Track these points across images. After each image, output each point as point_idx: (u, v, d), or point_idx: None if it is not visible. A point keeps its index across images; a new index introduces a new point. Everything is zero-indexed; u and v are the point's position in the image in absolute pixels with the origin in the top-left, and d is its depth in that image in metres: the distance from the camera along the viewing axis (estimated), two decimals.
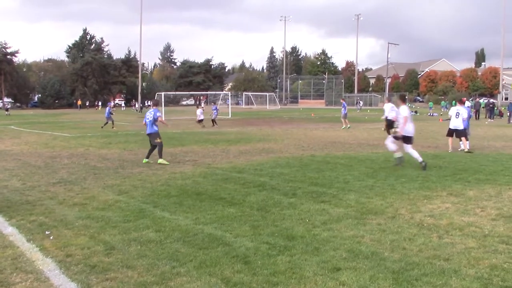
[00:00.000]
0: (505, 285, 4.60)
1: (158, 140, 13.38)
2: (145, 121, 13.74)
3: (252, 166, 12.54)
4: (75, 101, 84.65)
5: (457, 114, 16.23)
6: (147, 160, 13.45)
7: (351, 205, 7.95)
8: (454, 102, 68.07)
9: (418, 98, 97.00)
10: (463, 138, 15.96)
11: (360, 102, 73.78)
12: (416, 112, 55.25)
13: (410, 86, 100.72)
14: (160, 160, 13.17)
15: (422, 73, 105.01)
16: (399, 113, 12.44)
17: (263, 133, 24.81)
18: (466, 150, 15.68)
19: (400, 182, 10.05)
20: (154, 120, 13.49)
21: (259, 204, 8.04)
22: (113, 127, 29.24)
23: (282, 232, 6.41)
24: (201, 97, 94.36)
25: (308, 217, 7.17)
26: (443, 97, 79.19)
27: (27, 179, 10.81)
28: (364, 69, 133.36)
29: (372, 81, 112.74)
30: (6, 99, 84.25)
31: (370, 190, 9.24)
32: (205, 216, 7.28)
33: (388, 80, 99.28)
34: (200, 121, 30.81)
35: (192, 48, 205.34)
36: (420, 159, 11.84)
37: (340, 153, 15.41)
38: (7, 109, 60.34)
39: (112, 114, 30.65)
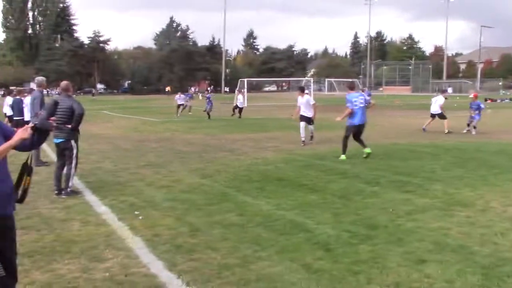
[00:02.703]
0: None
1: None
2: (352, 108, 11.78)
3: (334, 153, 12.39)
4: (161, 87, 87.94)
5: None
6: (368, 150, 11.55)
7: (437, 196, 7.65)
8: None
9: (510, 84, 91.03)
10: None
11: (448, 89, 70.07)
12: (511, 99, 52.03)
13: (505, 71, 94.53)
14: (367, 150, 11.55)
15: None
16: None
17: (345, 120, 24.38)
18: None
19: (492, 173, 9.51)
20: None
21: (341, 192, 7.95)
22: (190, 112, 30.38)
23: (364, 221, 6.30)
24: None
25: (392, 207, 6.99)
26: None
27: (118, 161, 11.41)
28: (453, 54, 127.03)
29: (462, 66, 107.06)
30: (99, 85, 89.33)
31: (458, 180, 8.82)
32: (287, 202, 7.31)
33: (480, 66, 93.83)
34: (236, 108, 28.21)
35: (275, 35, 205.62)
36: None
37: (426, 142, 14.84)
38: (93, 94, 64.50)
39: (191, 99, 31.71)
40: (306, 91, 15.67)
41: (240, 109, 27.78)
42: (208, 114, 26.95)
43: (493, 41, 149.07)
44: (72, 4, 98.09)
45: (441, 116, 18.15)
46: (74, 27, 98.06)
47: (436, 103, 18.45)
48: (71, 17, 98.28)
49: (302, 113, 14.46)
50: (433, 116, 18.50)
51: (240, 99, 28.31)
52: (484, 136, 16.46)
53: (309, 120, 14.45)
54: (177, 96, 31.31)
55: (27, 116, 12.72)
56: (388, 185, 8.45)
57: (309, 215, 6.61)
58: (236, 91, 35.49)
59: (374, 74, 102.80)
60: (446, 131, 17.38)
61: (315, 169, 10.10)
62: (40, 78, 11.40)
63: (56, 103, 7.82)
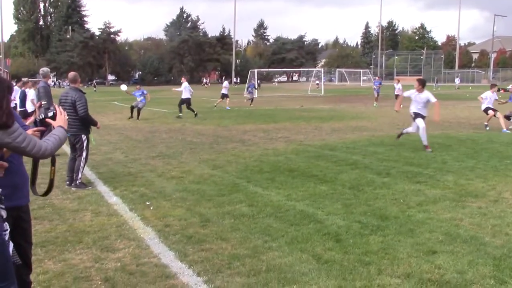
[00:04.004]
0: None
1: None
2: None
3: (344, 144, 12.37)
4: (175, 78, 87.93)
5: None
6: None
7: (449, 187, 7.60)
8: None
9: None
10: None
11: (456, 79, 69.28)
12: None
13: None
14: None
15: None
16: None
17: (356, 111, 24.34)
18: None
19: (504, 164, 9.43)
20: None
21: (352, 183, 7.93)
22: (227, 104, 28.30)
23: (375, 211, 6.28)
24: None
25: (403, 198, 6.96)
26: None
27: (129, 152, 11.48)
28: (466, 44, 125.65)
29: (475, 56, 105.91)
30: (110, 76, 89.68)
31: (470, 171, 8.76)
32: (297, 193, 7.32)
33: (493, 55, 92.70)
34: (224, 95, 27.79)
35: (285, 25, 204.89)
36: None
37: (438, 132, 14.73)
38: (94, 86, 64.17)
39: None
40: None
41: (252, 99, 28.80)
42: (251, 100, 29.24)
43: (507, 30, 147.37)
44: None
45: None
46: (85, 19, 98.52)
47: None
48: (82, 9, 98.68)
49: (417, 110, 11.62)
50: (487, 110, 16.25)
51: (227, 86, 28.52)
52: (496, 127, 16.28)
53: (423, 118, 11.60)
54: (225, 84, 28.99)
55: (30, 107, 12.85)
56: (399, 176, 8.42)
57: (319, 205, 6.61)
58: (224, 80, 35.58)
59: (386, 64, 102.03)
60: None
61: (326, 160, 10.08)
62: (45, 69, 11.49)
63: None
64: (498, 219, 5.93)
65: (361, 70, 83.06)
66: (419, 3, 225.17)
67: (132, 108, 20.55)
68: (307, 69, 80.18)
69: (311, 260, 4.68)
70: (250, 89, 31.24)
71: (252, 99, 29.61)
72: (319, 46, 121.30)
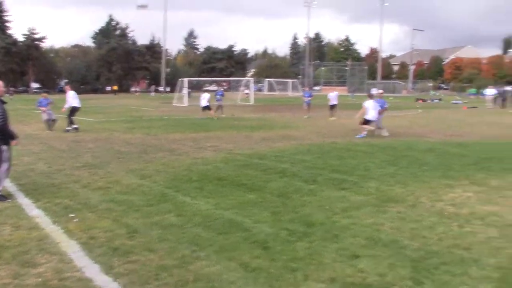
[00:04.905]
0: None
1: None
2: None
3: (273, 152, 12.57)
4: (103, 86, 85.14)
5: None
6: None
7: (371, 193, 7.94)
8: (474, 90, 67.71)
9: (442, 85, 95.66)
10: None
11: (373, 89, 72.00)
12: (440, 99, 54.89)
13: (434, 73, 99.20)
14: None
15: (447, 60, 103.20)
16: None
17: (285, 120, 24.78)
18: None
19: (422, 170, 9.97)
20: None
21: (280, 191, 8.08)
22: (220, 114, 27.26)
23: (302, 218, 6.44)
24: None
25: (328, 204, 7.18)
26: (468, 85, 78.17)
27: (53, 163, 11.04)
28: (388, 56, 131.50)
29: (396, 68, 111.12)
30: (33, 84, 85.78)
31: (391, 177, 9.19)
32: (226, 202, 7.35)
33: (413, 67, 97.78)
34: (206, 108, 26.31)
35: (216, 35, 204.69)
36: None
37: (361, 141, 15.32)
38: (10, 94, 60.19)
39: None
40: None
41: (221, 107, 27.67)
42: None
43: (425, 43, 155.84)
44: (6, 0, 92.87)
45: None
46: (7, 24, 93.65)
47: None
48: (5, 13, 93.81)
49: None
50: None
51: (206, 98, 26.59)
52: (415, 135, 17.19)
53: None
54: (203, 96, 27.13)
55: None
56: (325, 183, 8.67)
57: (248, 214, 6.68)
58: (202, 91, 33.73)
59: (313, 75, 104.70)
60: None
61: (254, 169, 10.20)
62: None
63: None
64: (416, 222, 6.26)
65: (290, 80, 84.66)
66: (344, 16, 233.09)
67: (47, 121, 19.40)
68: (237, 78, 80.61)
69: (238, 269, 4.72)
70: (218, 96, 29.52)
71: (221, 107, 28.03)
72: (249, 56, 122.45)
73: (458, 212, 6.76)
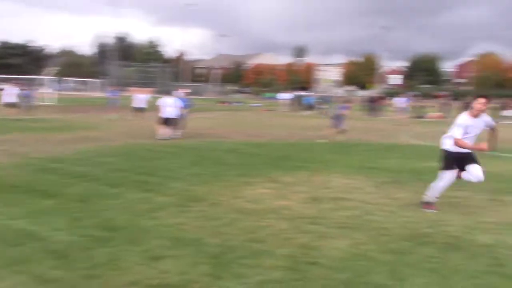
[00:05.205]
0: (312, 261, 5.09)
1: None
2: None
3: (73, 155, 11.90)
4: None
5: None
6: None
7: (175, 193, 8.03)
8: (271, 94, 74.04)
9: (243, 89, 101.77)
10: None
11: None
12: (241, 102, 58.65)
13: (236, 77, 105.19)
14: None
15: (249, 65, 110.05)
16: None
17: (89, 121, 23.68)
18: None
19: (223, 169, 10.43)
20: None
21: (80, 195, 7.67)
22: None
23: (103, 223, 6.21)
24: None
25: (132, 206, 7.07)
26: (267, 89, 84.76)
27: None
28: (195, 59, 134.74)
29: (202, 71, 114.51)
30: None
31: (195, 177, 9.43)
32: (20, 211, 6.70)
33: (218, 71, 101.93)
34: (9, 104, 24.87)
35: (13, 28, 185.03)
36: None
37: (168, 142, 15.43)
38: None
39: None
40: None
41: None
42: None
43: (230, 49, 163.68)
44: None
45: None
46: None
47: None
48: None
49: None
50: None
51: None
52: (218, 136, 17.94)
53: None
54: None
55: None
56: (130, 185, 8.51)
57: (44, 222, 6.20)
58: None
59: (121, 75, 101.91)
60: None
61: (52, 173, 9.51)
62: None
63: None
64: (217, 220, 6.53)
65: (96, 80, 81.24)
66: (151, 18, 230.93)
67: None
68: (34, 76, 74.33)
69: (31, 283, 4.37)
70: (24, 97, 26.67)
71: (28, 107, 25.96)
72: (50, 53, 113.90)
73: (255, 208, 7.23)
